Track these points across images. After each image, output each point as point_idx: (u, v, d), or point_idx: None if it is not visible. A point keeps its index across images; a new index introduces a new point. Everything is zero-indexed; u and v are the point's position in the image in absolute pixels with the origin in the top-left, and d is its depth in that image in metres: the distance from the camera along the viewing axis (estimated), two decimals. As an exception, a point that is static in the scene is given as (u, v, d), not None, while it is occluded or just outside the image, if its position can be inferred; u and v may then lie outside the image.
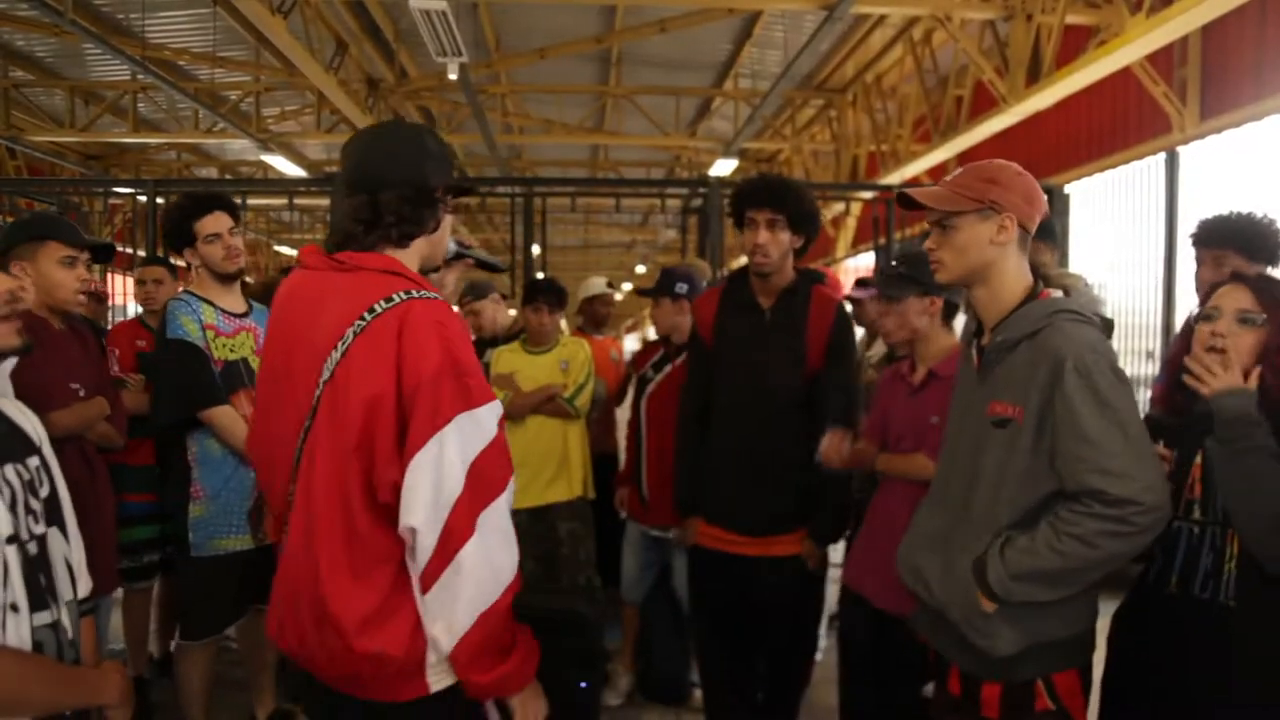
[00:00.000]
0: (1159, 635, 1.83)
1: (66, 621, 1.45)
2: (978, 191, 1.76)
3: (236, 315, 2.93)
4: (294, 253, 17.85)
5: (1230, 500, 1.71)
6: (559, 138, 10.94)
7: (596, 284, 4.64)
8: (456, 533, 1.43)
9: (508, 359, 3.76)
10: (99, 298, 4.91)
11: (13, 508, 1.36)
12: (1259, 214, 2.62)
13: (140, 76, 8.72)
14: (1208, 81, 5.86)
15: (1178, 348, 1.94)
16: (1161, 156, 6.20)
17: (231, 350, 2.88)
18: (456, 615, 1.46)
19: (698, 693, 3.43)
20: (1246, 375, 1.72)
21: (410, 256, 1.60)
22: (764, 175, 2.79)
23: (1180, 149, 6.07)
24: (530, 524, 3.50)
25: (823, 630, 3.54)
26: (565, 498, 3.62)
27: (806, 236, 2.69)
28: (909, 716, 2.28)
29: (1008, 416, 1.71)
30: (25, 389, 2.32)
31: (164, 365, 2.83)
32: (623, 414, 4.13)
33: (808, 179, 11.80)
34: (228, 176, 13.43)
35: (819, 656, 3.92)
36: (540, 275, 5.25)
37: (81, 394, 2.69)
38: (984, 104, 7.47)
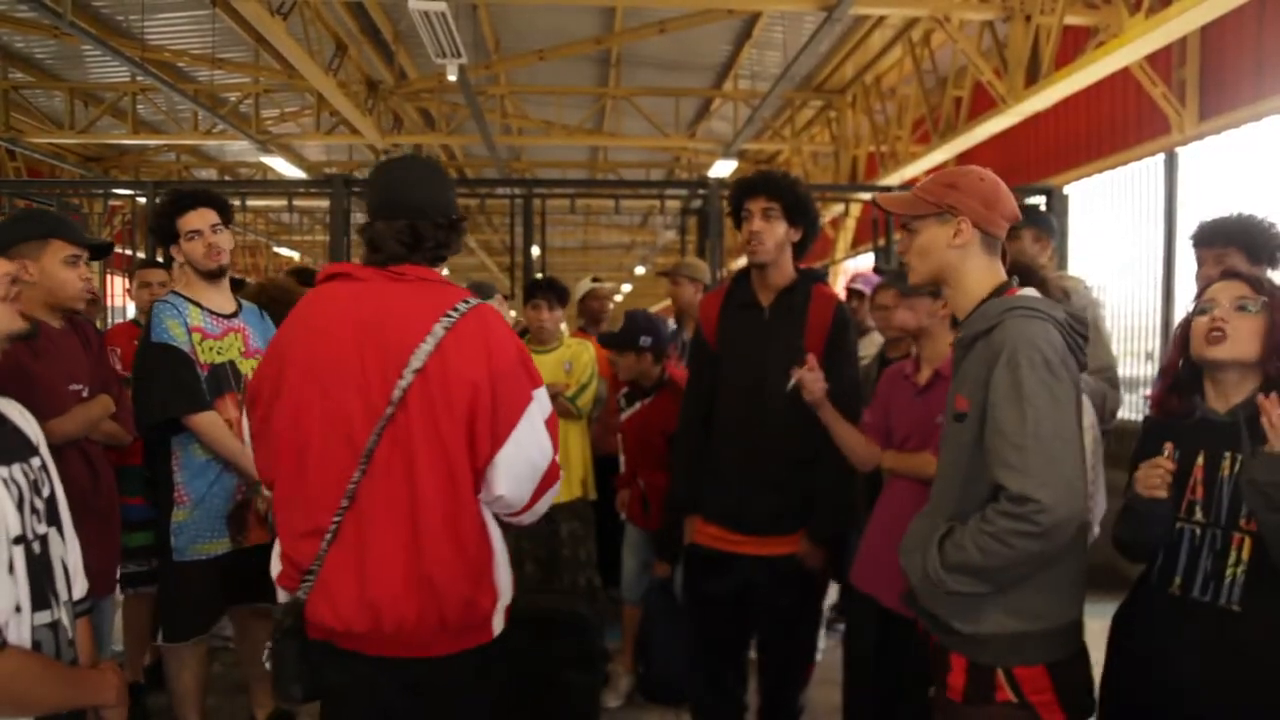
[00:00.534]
0: (1160, 636, 1.83)
1: (66, 621, 1.45)
2: (937, 196, 1.83)
3: (224, 316, 2.89)
4: (293, 254, 17.85)
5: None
6: (558, 139, 10.94)
7: (584, 283, 4.73)
8: (550, 478, 1.85)
9: None
10: (94, 298, 4.90)
11: (19, 508, 1.37)
12: (1259, 215, 2.63)
13: (139, 78, 8.72)
14: (1207, 82, 5.87)
15: (1173, 354, 1.95)
16: (1160, 157, 6.21)
17: (218, 353, 2.84)
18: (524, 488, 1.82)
19: None
20: (1257, 359, 1.77)
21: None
22: (760, 170, 2.81)
23: (1179, 150, 6.07)
24: (531, 524, 3.50)
25: (821, 631, 3.53)
26: (565, 498, 3.63)
27: (804, 231, 2.68)
28: (914, 717, 2.28)
29: (963, 411, 1.77)
30: (24, 396, 2.31)
31: (147, 369, 2.77)
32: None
33: (807, 180, 11.81)
34: (227, 178, 13.43)
35: (819, 657, 3.92)
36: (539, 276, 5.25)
37: (84, 394, 2.67)
38: (983, 105, 7.47)
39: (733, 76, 9.59)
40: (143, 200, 6.07)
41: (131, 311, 3.80)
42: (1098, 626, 1.91)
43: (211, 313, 2.85)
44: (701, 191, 6.37)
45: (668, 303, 4.58)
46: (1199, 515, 1.80)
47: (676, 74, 9.79)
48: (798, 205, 2.65)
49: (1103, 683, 1.95)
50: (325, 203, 9.01)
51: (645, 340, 3.53)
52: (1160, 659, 1.81)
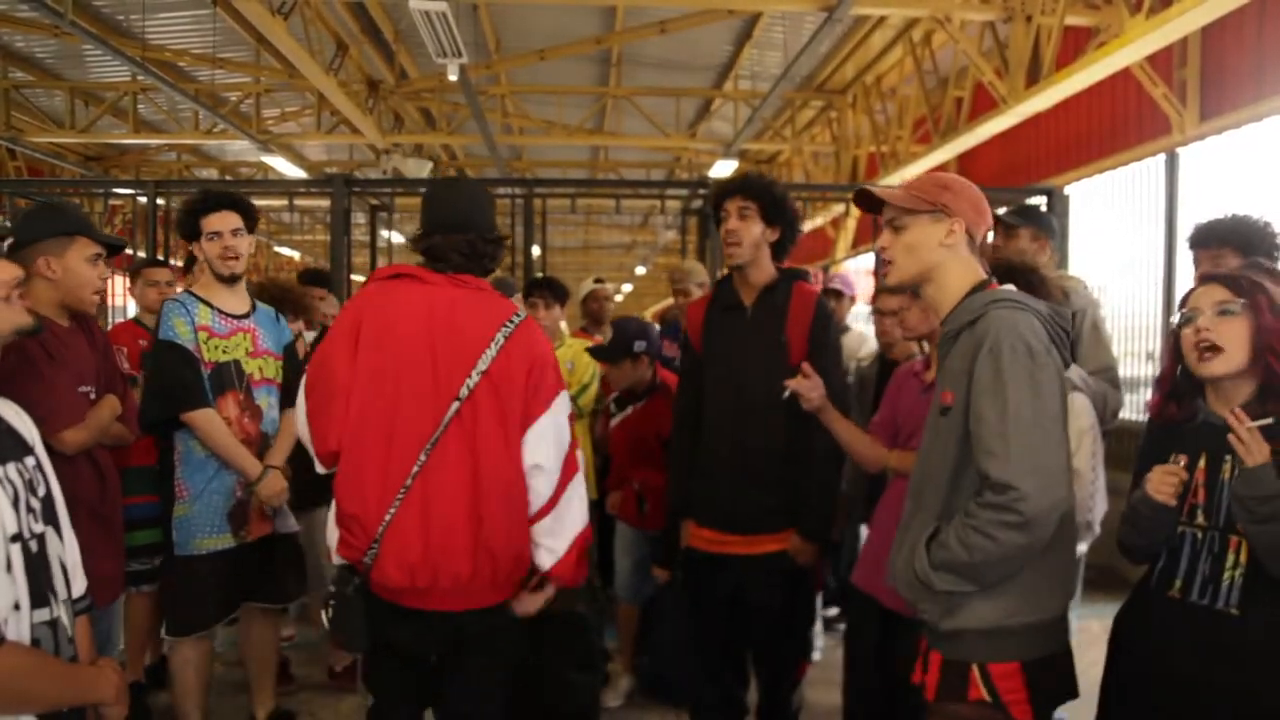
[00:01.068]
0: (1160, 638, 1.83)
1: (65, 619, 1.45)
2: (932, 195, 1.85)
3: (235, 316, 2.94)
4: (294, 254, 17.85)
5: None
6: (559, 139, 10.94)
7: (587, 284, 4.75)
8: (571, 467, 2.12)
9: None
10: (100, 299, 4.91)
11: (15, 506, 1.37)
12: (1254, 215, 2.63)
13: (140, 77, 8.73)
14: (1207, 83, 5.86)
15: (1168, 364, 1.95)
16: (1161, 158, 6.20)
17: (224, 352, 2.89)
18: (562, 542, 2.11)
19: None
20: (1250, 362, 1.76)
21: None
22: (739, 173, 2.85)
23: (1180, 150, 6.07)
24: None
25: (818, 630, 3.54)
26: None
27: (782, 232, 2.72)
28: (914, 718, 2.27)
29: (948, 405, 1.78)
30: (42, 402, 2.30)
31: (152, 366, 2.87)
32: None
33: (808, 180, 11.81)
34: (228, 177, 13.43)
35: (816, 656, 3.92)
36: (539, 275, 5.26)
37: (92, 396, 2.67)
38: (984, 105, 7.47)
39: (733, 76, 9.59)
40: (143, 200, 6.07)
41: (132, 310, 3.79)
42: (1098, 627, 1.91)
43: (221, 312, 2.91)
44: (702, 191, 6.38)
45: (669, 301, 4.57)
46: (1200, 519, 1.80)
47: (677, 74, 9.79)
48: (774, 205, 2.70)
49: (1103, 684, 1.95)
50: (325, 202, 9.02)
51: (640, 345, 3.52)
52: (1160, 661, 1.81)
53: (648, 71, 9.68)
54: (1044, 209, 5.27)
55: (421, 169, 10.02)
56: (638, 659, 3.82)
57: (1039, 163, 7.76)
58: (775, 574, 2.74)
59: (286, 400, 3.03)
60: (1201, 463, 1.81)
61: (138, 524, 3.30)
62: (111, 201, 9.47)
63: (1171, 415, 1.91)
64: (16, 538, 1.35)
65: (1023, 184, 7.55)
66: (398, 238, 9.94)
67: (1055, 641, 1.79)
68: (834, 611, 4.48)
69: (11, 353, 1.56)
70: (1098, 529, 2.60)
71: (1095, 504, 2.55)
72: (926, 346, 2.69)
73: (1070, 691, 1.83)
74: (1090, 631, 1.86)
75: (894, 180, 8.70)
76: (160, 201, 5.98)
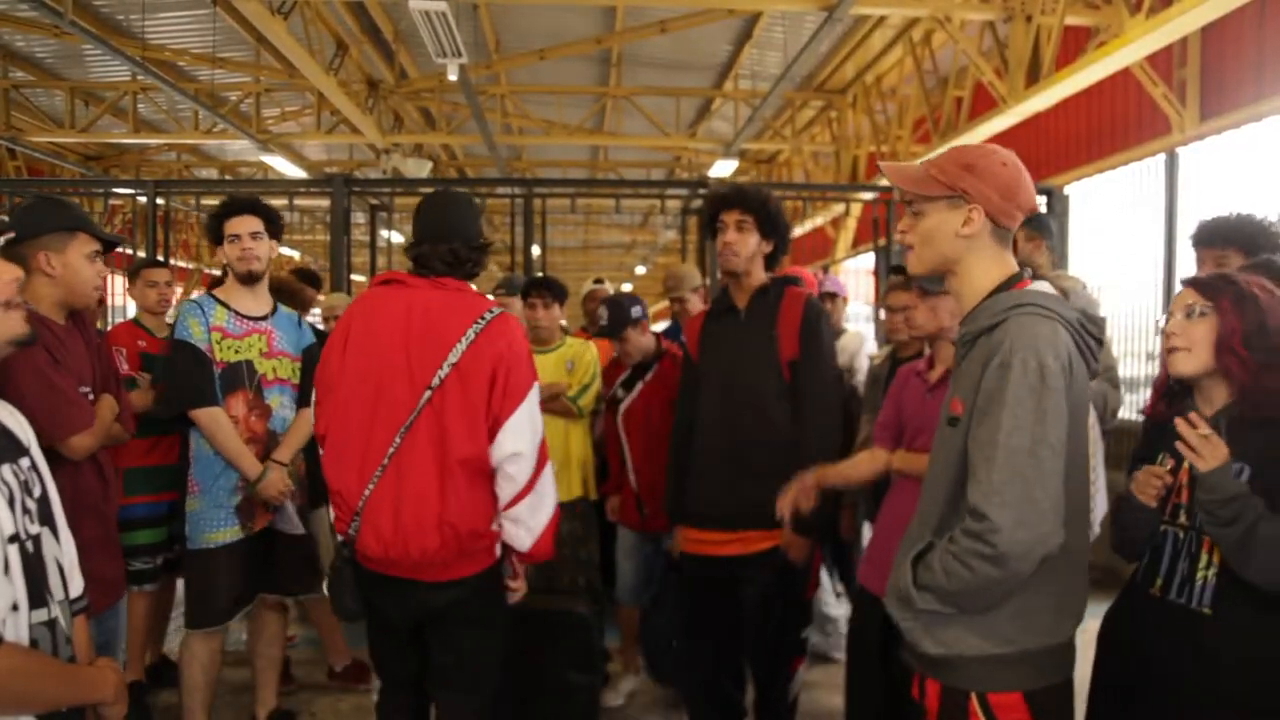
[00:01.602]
0: (1141, 636, 1.84)
1: (62, 620, 1.45)
2: (951, 177, 1.65)
3: (252, 318, 3.04)
4: (293, 253, 17.86)
5: (1260, 576, 1.67)
6: (559, 138, 10.94)
7: (588, 284, 4.77)
8: (545, 454, 2.30)
9: None
10: (100, 298, 4.90)
11: (10, 507, 1.36)
12: (1258, 213, 2.63)
13: (140, 77, 8.73)
14: (1207, 82, 5.86)
15: (1163, 367, 1.97)
16: (1161, 157, 6.20)
17: (236, 352, 2.98)
18: (540, 519, 2.29)
19: None
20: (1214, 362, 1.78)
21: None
22: (735, 184, 2.95)
23: (1180, 150, 6.07)
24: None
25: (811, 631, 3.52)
26: (566, 498, 3.60)
27: (775, 244, 2.83)
28: (915, 718, 2.27)
29: (957, 415, 1.64)
30: (51, 409, 2.32)
31: (165, 364, 3.02)
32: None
33: (808, 180, 11.81)
34: (228, 177, 13.43)
35: (839, 656, 3.91)
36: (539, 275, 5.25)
37: (90, 396, 2.67)
38: (984, 105, 7.47)
39: (733, 76, 9.59)
40: (143, 199, 6.07)
41: (132, 311, 3.79)
42: (1094, 626, 1.91)
43: (238, 314, 3.01)
44: (702, 191, 6.37)
45: (667, 303, 4.56)
46: (1182, 518, 1.82)
47: (677, 74, 9.79)
48: (770, 220, 2.79)
49: (1091, 682, 1.96)
50: (325, 202, 9.03)
51: (636, 310, 3.57)
52: (1141, 659, 1.83)
53: (648, 71, 9.68)
54: (1043, 209, 5.27)
55: (421, 169, 10.02)
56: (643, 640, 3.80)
57: (1038, 163, 7.76)
58: (768, 570, 2.75)
59: (302, 400, 3.09)
60: (1185, 464, 1.81)
61: (138, 524, 3.31)
62: (111, 201, 9.47)
63: (1162, 415, 1.93)
64: (14, 538, 1.35)
65: (1023, 184, 7.54)
66: (397, 238, 9.93)
67: (1060, 670, 1.65)
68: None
69: (17, 359, 1.54)
70: (1097, 529, 2.60)
71: (1095, 504, 2.55)
72: (927, 349, 2.69)
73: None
74: (1090, 632, 1.85)
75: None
76: (160, 201, 5.98)
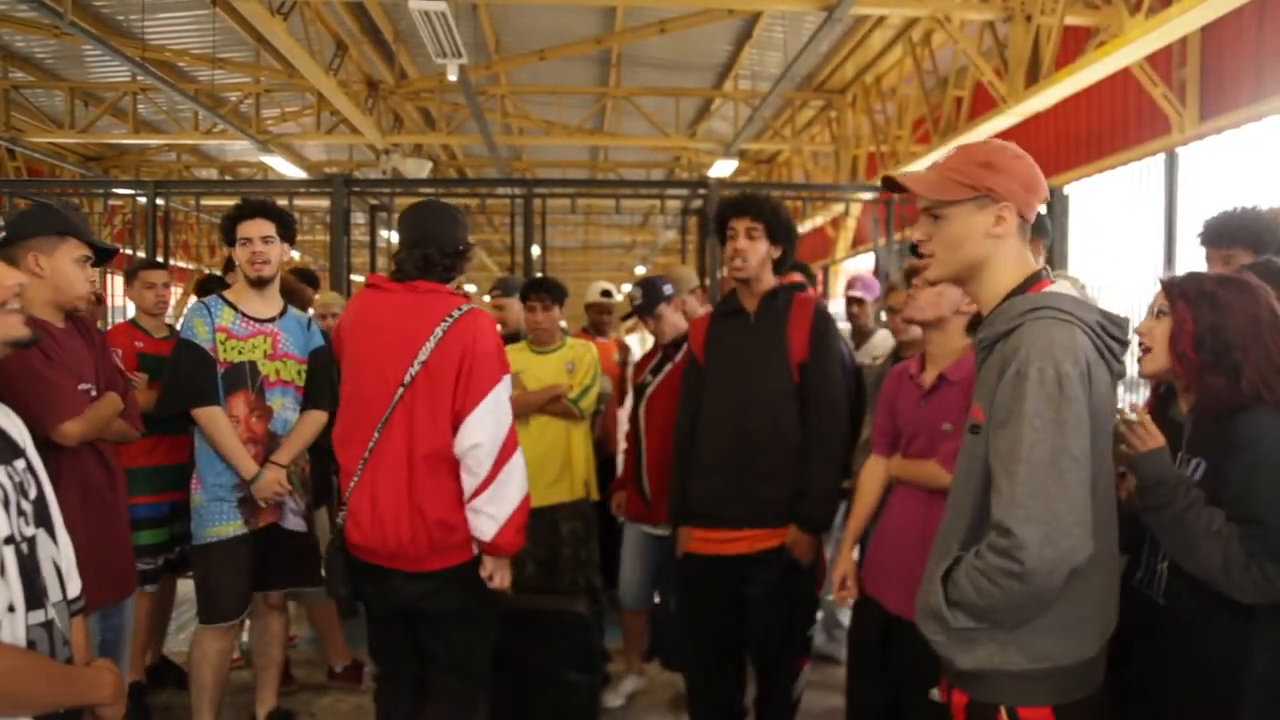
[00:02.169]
0: (1125, 628, 1.87)
1: (59, 621, 1.45)
2: (973, 177, 1.60)
3: (259, 320, 3.06)
4: (294, 254, 17.89)
5: (1190, 564, 1.74)
6: (559, 139, 10.94)
7: (594, 290, 4.70)
8: (510, 446, 2.38)
9: (513, 358, 3.72)
10: (97, 298, 4.90)
11: (5, 509, 1.36)
12: (1264, 208, 2.62)
13: (140, 77, 8.72)
14: (1207, 82, 5.86)
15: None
16: (1161, 157, 6.20)
17: (240, 353, 3.01)
18: (504, 509, 2.36)
19: None
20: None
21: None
22: (745, 192, 2.96)
23: (1179, 150, 6.07)
24: (532, 524, 3.47)
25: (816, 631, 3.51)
26: (568, 498, 3.63)
27: (784, 250, 2.86)
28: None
29: (978, 422, 1.60)
30: (39, 399, 2.41)
31: (169, 363, 3.05)
32: (622, 413, 4.12)
33: (807, 180, 11.81)
34: (228, 178, 13.43)
35: (841, 659, 3.91)
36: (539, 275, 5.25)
37: (93, 394, 2.69)
38: (983, 105, 7.47)
39: (733, 76, 9.59)
40: (143, 200, 6.06)
41: (131, 311, 3.78)
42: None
43: (245, 315, 3.04)
44: (702, 191, 6.37)
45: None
46: None
47: (677, 74, 9.79)
48: (779, 227, 2.83)
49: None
50: (325, 202, 9.02)
51: (668, 289, 3.60)
52: (1123, 650, 1.86)
53: (647, 71, 9.68)
54: (1043, 209, 5.26)
55: (421, 169, 10.02)
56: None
57: (1038, 162, 7.72)
58: (774, 569, 2.76)
59: (308, 402, 3.11)
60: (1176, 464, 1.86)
61: (140, 524, 3.32)
62: (111, 201, 9.47)
63: (1153, 413, 1.95)
64: (9, 540, 1.35)
65: (1022, 184, 7.53)
66: (397, 238, 9.93)
67: (1092, 682, 1.62)
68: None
69: (9, 358, 1.54)
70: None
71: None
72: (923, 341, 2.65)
73: None
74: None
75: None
76: (160, 202, 5.98)
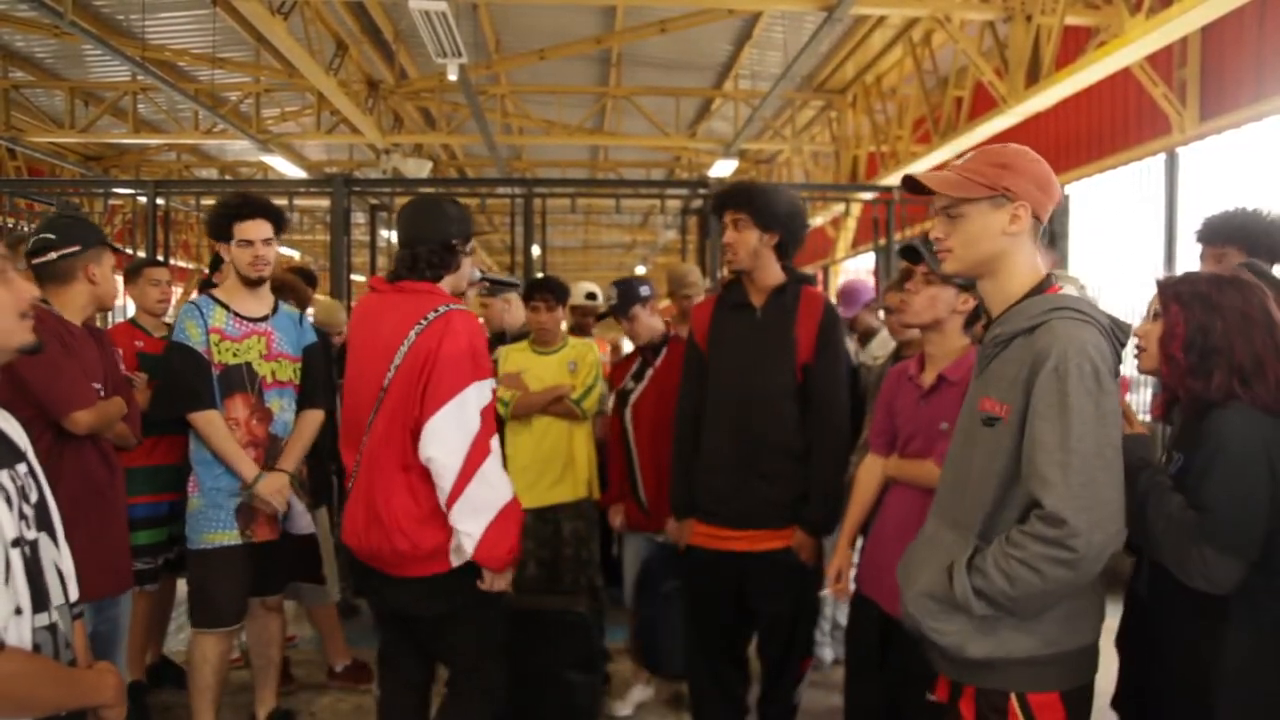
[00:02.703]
0: (1127, 621, 1.97)
1: (62, 624, 1.45)
2: (990, 178, 1.67)
3: (252, 320, 3.02)
4: (293, 253, 17.88)
5: (1152, 550, 1.79)
6: (559, 138, 10.94)
7: (578, 291, 4.58)
8: (478, 454, 2.24)
9: (515, 358, 3.74)
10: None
11: (9, 512, 1.36)
12: (1264, 210, 2.62)
13: (140, 77, 8.72)
14: (1207, 82, 5.86)
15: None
16: (1161, 157, 6.20)
17: (235, 354, 2.96)
18: (478, 523, 2.24)
19: None
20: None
21: (443, 285, 2.42)
22: (729, 183, 2.90)
23: (1180, 150, 6.07)
24: (534, 524, 3.48)
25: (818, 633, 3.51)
26: (570, 498, 3.62)
27: (782, 235, 2.76)
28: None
29: (996, 415, 1.64)
30: (52, 385, 2.51)
31: (162, 366, 3.03)
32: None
33: (807, 180, 11.81)
34: (228, 177, 13.43)
35: (829, 658, 3.91)
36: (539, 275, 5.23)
37: (102, 393, 2.73)
38: (984, 105, 7.47)
39: (733, 76, 9.59)
40: (143, 200, 6.06)
41: (131, 311, 3.79)
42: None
43: (238, 316, 2.99)
44: (702, 191, 6.37)
45: (667, 303, 4.53)
46: None
47: (677, 74, 9.79)
48: (765, 211, 2.72)
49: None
50: (325, 202, 9.02)
51: (645, 290, 3.55)
52: (1125, 647, 1.96)
53: (648, 71, 9.68)
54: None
55: (421, 169, 10.02)
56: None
57: (1039, 162, 7.76)
58: (779, 571, 2.75)
59: (304, 402, 3.08)
60: (1165, 459, 1.90)
61: (139, 524, 3.32)
62: (111, 201, 9.47)
63: (1158, 413, 2.02)
64: (16, 543, 1.35)
65: (1023, 184, 7.53)
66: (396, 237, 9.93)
67: (1091, 669, 1.71)
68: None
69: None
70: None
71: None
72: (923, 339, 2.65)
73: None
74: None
75: (894, 180, 8.69)
76: (160, 201, 5.98)
